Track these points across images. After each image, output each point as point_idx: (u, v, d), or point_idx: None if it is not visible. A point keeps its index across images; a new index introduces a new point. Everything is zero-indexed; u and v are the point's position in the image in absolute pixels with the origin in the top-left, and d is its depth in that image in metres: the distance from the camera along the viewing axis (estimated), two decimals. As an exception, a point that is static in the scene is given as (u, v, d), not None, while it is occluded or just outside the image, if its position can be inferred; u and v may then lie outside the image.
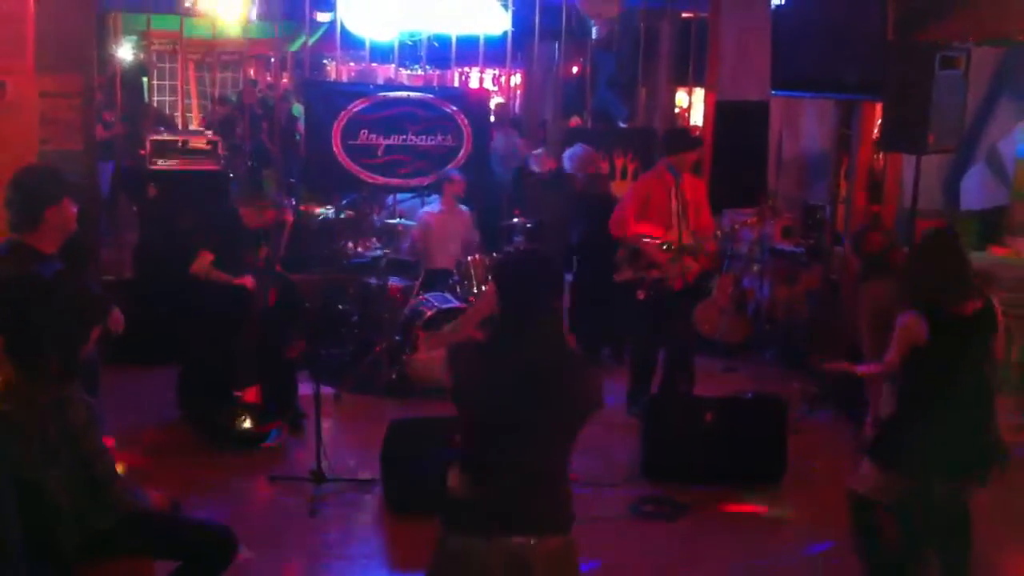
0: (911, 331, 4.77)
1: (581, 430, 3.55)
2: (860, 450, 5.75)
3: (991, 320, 4.84)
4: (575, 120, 12.23)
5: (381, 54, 11.14)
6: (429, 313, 7.97)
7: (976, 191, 9.93)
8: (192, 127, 12.79)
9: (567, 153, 9.40)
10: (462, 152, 9.94)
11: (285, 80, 13.75)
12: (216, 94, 12.11)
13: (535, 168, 10.03)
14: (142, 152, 8.92)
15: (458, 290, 8.25)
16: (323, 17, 11.73)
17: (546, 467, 3.54)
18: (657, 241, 7.56)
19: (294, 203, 9.35)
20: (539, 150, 10.49)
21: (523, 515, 3.47)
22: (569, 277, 9.11)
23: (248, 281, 7.03)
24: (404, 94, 10.10)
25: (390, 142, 9.78)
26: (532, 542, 3.45)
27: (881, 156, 9.84)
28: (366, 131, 9.69)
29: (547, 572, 3.47)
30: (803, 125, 10.43)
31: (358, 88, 10.50)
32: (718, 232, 8.10)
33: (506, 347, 3.49)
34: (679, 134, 8.88)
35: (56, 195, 4.64)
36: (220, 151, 8.97)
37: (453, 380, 3.51)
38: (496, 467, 3.48)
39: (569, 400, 3.51)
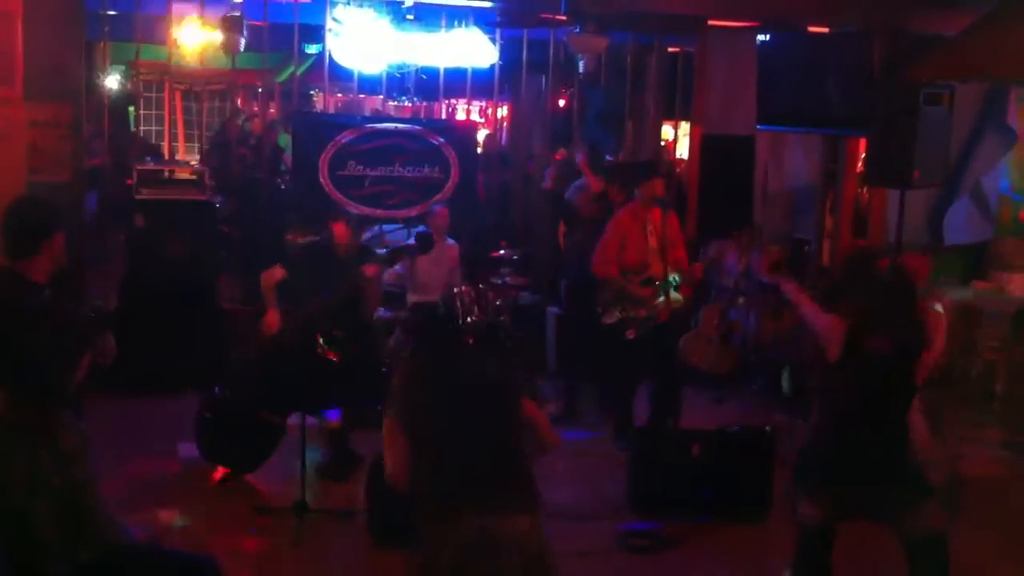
0: (836, 330, 4.77)
1: (518, 416, 4.09)
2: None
3: (915, 347, 4.85)
4: (561, 153, 12.26)
5: (369, 85, 11.15)
6: (415, 344, 7.95)
7: (960, 226, 10.00)
8: (179, 157, 12.79)
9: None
10: (449, 184, 9.95)
11: (272, 111, 13.76)
12: (205, 124, 12.09)
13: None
14: (128, 182, 8.91)
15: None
16: (311, 48, 11.76)
17: (498, 454, 4.01)
18: (639, 278, 7.58)
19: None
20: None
21: (490, 497, 3.90)
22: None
23: (272, 320, 7.05)
24: (391, 126, 10.12)
25: (377, 173, 9.79)
26: (501, 521, 3.86)
27: (866, 190, 9.91)
28: (353, 162, 9.70)
29: (517, 548, 3.86)
30: (789, 159, 10.49)
31: (345, 119, 10.53)
32: (699, 263, 8.13)
33: (431, 374, 4.15)
34: (638, 165, 8.93)
35: (53, 228, 4.66)
36: (207, 181, 8.97)
37: (401, 419, 4.06)
38: (457, 463, 3.96)
39: (493, 393, 4.11)
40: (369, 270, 7.24)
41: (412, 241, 9.10)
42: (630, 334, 7.60)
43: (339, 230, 7.24)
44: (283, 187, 11.01)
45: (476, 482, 3.93)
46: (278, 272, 7.14)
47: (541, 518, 3.98)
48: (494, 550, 3.84)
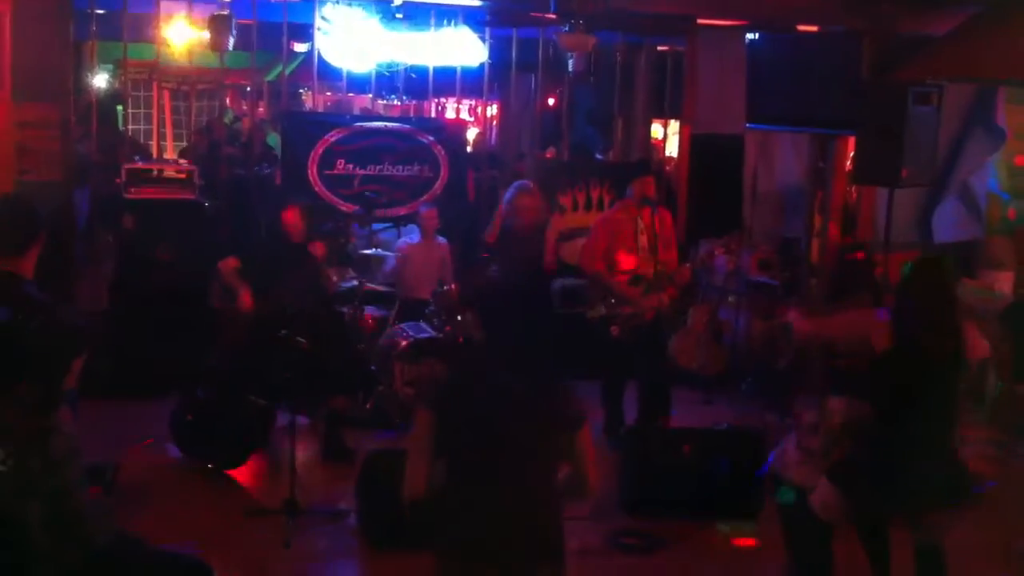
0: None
1: (562, 452, 3.65)
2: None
3: (961, 358, 4.85)
4: (551, 151, 12.26)
5: (358, 84, 11.12)
6: (404, 343, 7.97)
7: (948, 224, 10.03)
8: (167, 156, 12.74)
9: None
10: (439, 183, 9.94)
11: (261, 109, 13.73)
12: (193, 124, 12.06)
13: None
14: (117, 181, 8.88)
15: (435, 321, 8.25)
16: (300, 47, 11.74)
17: (533, 491, 3.61)
18: (626, 276, 7.60)
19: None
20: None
21: (516, 540, 3.56)
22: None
23: (245, 298, 7.31)
24: (381, 124, 10.12)
25: (367, 172, 9.77)
26: (526, 567, 3.56)
27: (855, 190, 9.93)
28: (343, 161, 9.69)
29: None
30: (778, 159, 10.50)
31: (335, 118, 10.50)
32: (687, 264, 8.15)
33: (491, 372, 3.63)
34: (631, 164, 8.92)
35: (41, 225, 4.66)
36: (196, 180, 8.95)
37: (438, 416, 3.57)
38: (486, 492, 3.56)
39: (546, 420, 3.60)
40: (315, 248, 7.56)
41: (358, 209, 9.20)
42: (614, 331, 7.62)
43: (290, 218, 7.55)
44: (268, 171, 10.94)
45: (501, 525, 3.56)
46: (232, 261, 7.49)
47: (564, 566, 3.69)
48: None
